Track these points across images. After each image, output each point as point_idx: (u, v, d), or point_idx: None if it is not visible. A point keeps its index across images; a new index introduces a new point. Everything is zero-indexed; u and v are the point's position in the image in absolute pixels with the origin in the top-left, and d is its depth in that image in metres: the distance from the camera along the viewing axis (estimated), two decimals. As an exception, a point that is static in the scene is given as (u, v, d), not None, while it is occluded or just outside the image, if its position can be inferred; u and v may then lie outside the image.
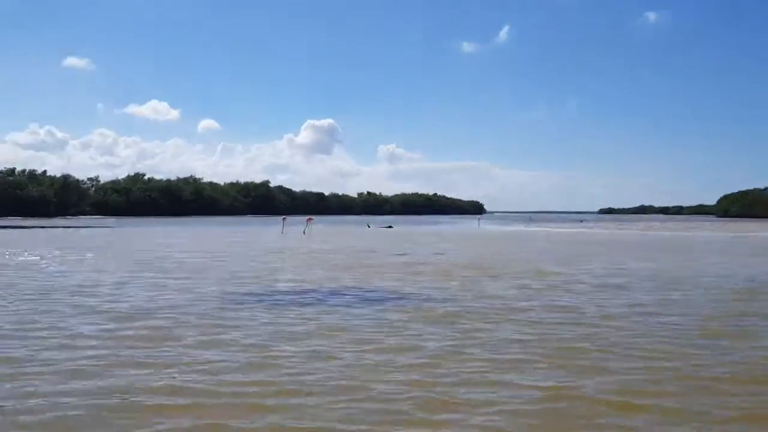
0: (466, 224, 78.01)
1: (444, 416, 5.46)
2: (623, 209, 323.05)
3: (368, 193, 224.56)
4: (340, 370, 6.81)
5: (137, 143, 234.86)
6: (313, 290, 13.29)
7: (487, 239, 37.99)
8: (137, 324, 9.23)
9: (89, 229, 49.48)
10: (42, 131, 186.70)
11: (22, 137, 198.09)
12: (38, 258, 20.69)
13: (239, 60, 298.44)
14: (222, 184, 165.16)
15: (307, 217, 49.50)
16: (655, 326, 9.32)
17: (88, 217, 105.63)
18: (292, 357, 7.40)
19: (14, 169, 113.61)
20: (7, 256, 20.93)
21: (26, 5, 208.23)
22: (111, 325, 9.09)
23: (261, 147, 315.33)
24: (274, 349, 7.81)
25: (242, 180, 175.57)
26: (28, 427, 5.22)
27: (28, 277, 15.27)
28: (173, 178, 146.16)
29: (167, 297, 12.04)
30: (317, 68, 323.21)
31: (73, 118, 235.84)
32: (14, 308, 10.47)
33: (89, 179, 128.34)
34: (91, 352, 7.54)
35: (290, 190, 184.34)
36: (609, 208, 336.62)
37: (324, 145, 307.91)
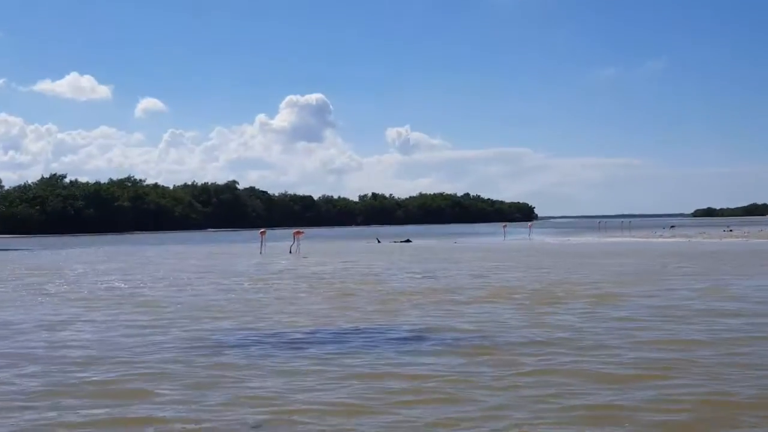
0: (513, 235, 78.01)
1: None
2: (727, 209, 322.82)
3: (373, 195, 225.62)
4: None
5: (52, 133, 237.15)
6: (318, 331, 13.17)
7: (547, 255, 37.87)
8: (81, 375, 9.15)
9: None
10: None
11: None
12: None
13: (191, 16, 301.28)
14: (172, 187, 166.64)
15: (295, 230, 49.58)
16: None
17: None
18: None
19: None
20: None
21: None
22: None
23: (224, 134, 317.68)
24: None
25: (199, 181, 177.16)
26: None
27: None
28: (103, 180, 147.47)
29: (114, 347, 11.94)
30: (300, 24, 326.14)
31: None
32: None
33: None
34: None
35: (266, 193, 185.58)
36: (708, 208, 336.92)
37: (311, 129, 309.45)
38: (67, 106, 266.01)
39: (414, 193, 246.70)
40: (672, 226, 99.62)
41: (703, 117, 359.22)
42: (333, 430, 7.22)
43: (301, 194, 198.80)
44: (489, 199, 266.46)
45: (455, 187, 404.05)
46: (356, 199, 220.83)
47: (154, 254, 45.85)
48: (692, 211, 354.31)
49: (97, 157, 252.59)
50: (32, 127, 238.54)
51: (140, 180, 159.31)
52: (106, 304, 17.89)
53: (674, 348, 11.01)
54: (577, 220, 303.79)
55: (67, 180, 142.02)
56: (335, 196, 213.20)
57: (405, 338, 12.35)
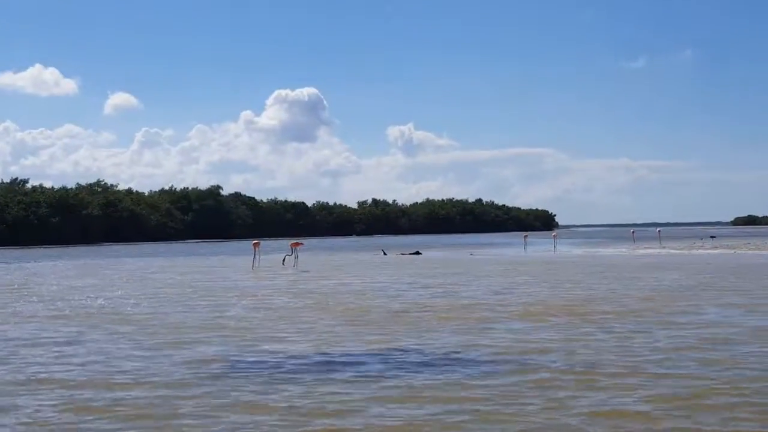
0: (534, 246, 78.17)
1: None
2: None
3: (374, 201, 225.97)
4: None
5: (11, 132, 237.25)
6: (335, 354, 13.32)
7: (575, 268, 37.99)
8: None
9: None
10: None
11: None
12: None
13: (166, 1, 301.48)
14: (147, 193, 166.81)
15: (292, 241, 49.79)
16: None
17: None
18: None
19: None
20: None
21: None
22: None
23: (204, 133, 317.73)
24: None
25: (178, 186, 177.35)
26: None
27: None
28: (70, 184, 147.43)
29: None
30: (290, 10, 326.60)
31: None
32: None
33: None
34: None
35: (253, 199, 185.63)
36: (749, 216, 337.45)
37: (303, 128, 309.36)
38: (28, 101, 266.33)
39: (419, 199, 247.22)
40: (712, 237, 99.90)
41: (742, 114, 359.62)
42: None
43: (292, 200, 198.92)
44: (504, 205, 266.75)
45: (465, 192, 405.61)
46: (355, 206, 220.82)
47: (135, 268, 45.99)
48: (732, 219, 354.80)
49: (62, 159, 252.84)
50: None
51: (112, 185, 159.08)
52: (92, 323, 18.04)
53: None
54: (602, 229, 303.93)
55: (29, 185, 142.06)
56: (331, 203, 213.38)
57: (441, 359, 12.50)
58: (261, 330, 16.64)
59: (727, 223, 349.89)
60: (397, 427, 8.67)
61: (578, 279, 30.22)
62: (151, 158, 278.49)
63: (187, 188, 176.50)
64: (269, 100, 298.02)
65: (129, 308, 21.77)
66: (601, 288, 25.70)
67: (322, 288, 28.03)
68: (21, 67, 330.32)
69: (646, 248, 66.20)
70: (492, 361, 12.37)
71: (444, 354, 13.18)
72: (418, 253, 63.52)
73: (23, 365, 12.70)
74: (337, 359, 12.84)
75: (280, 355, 13.27)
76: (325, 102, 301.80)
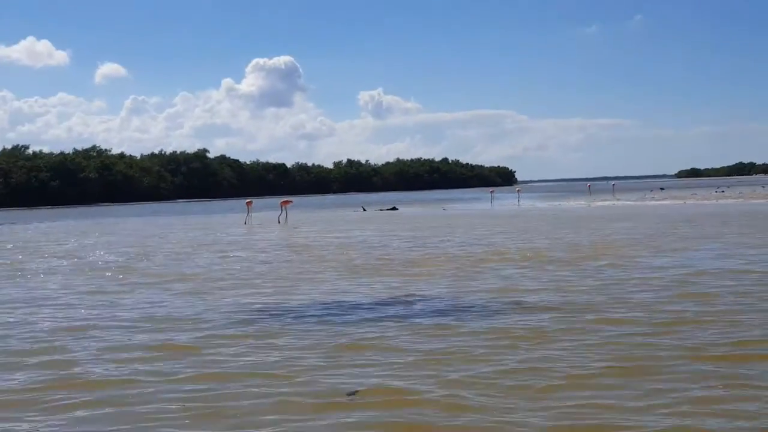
0: (500, 201, 78.78)
1: None
2: (711, 169, 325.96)
3: (349, 161, 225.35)
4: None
5: (8, 101, 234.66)
6: (346, 302, 13.70)
7: (543, 220, 38.52)
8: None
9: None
10: None
11: None
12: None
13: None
14: (139, 156, 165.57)
15: (282, 199, 49.96)
16: None
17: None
18: None
19: None
20: None
21: None
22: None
23: (188, 100, 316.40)
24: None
25: (163, 149, 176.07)
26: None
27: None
28: (63, 150, 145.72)
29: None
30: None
31: None
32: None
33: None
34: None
35: (237, 161, 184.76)
36: (692, 168, 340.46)
37: (280, 94, 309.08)
38: (23, 72, 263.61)
39: (389, 159, 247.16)
40: (661, 189, 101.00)
41: (686, 76, 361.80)
42: (432, 396, 7.78)
43: (273, 162, 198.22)
44: (468, 164, 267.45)
45: (431, 152, 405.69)
46: (331, 167, 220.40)
47: (139, 227, 46.08)
48: (676, 172, 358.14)
49: (56, 126, 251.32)
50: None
51: (106, 150, 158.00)
52: (139, 282, 18.32)
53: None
54: (558, 183, 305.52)
55: (30, 152, 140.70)
56: (309, 164, 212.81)
57: (443, 304, 12.94)
58: (282, 281, 16.99)
59: (671, 176, 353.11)
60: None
61: (548, 230, 30.71)
62: (139, 124, 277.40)
63: (176, 152, 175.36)
64: (248, 68, 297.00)
65: (178, 264, 22.04)
66: (575, 236, 26.18)
67: (320, 241, 28.39)
68: (15, 40, 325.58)
69: (603, 200, 66.96)
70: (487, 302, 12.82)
71: (447, 296, 13.61)
72: (395, 208, 63.82)
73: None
74: (349, 305, 13.23)
75: (305, 301, 13.65)
76: (300, 69, 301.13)
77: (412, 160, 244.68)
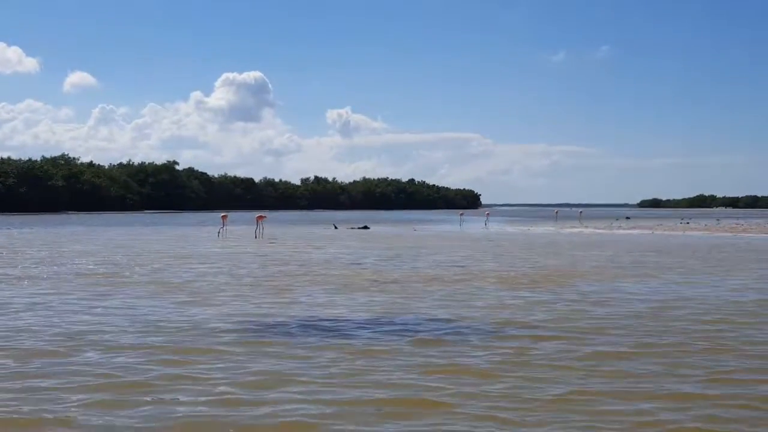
0: (468, 224, 79.11)
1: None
2: (672, 200, 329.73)
3: (316, 178, 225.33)
4: None
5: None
6: (331, 318, 13.81)
7: (517, 245, 38.86)
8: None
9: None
10: None
11: None
12: None
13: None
14: (107, 166, 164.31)
15: (257, 214, 50.06)
16: None
17: None
18: None
19: None
20: None
21: None
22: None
23: (157, 111, 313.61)
24: None
25: (130, 160, 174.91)
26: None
27: None
28: (30, 156, 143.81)
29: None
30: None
31: None
32: None
33: None
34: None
35: (205, 174, 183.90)
36: (654, 199, 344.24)
37: (249, 109, 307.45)
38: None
39: (356, 177, 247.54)
40: (627, 217, 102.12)
41: (650, 106, 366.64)
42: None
43: (241, 176, 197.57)
44: (435, 185, 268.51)
45: (397, 172, 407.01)
46: (298, 183, 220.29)
47: (114, 236, 45.77)
48: (638, 201, 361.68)
49: (23, 132, 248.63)
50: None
51: (74, 158, 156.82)
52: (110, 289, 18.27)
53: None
54: (522, 208, 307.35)
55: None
56: (276, 179, 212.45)
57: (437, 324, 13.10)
58: (268, 296, 17.04)
59: (633, 205, 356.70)
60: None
61: (525, 255, 31.01)
62: (106, 133, 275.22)
63: (144, 162, 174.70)
64: (218, 82, 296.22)
65: (162, 273, 21.95)
66: (556, 262, 26.49)
67: (299, 258, 28.42)
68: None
69: (571, 227, 67.51)
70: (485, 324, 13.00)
71: (435, 316, 13.77)
72: (366, 227, 63.92)
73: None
74: (336, 322, 13.34)
75: (295, 318, 13.74)
76: (269, 85, 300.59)
77: (379, 179, 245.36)
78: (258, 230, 44.95)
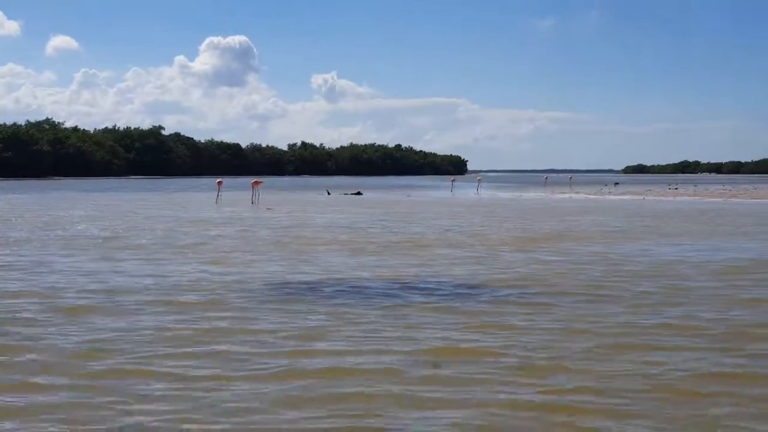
0: (460, 190, 79.51)
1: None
2: (657, 166, 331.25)
3: (303, 144, 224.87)
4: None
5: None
6: (349, 280, 14.19)
7: (513, 210, 39.30)
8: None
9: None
10: None
11: None
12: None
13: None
14: (92, 131, 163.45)
15: (253, 179, 50.26)
16: None
17: None
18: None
19: None
20: None
21: None
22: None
23: (140, 75, 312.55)
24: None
25: (116, 125, 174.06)
26: None
27: None
28: (12, 121, 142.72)
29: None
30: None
31: None
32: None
33: None
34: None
35: (191, 139, 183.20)
36: (639, 165, 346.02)
37: (233, 73, 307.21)
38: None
39: (342, 143, 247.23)
40: (616, 183, 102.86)
41: (637, 73, 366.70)
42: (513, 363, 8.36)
43: (228, 141, 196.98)
44: (421, 151, 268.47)
45: (383, 138, 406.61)
46: (285, 148, 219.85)
47: (109, 201, 45.97)
48: (623, 167, 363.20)
49: (3, 96, 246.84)
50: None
51: (59, 123, 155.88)
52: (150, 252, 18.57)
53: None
54: (509, 174, 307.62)
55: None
56: (264, 145, 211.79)
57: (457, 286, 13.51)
58: (282, 259, 17.38)
59: (618, 171, 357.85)
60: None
61: (522, 218, 31.45)
62: (88, 97, 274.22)
63: (130, 127, 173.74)
64: (202, 46, 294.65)
65: (181, 236, 22.23)
66: (557, 225, 26.94)
67: (303, 222, 28.75)
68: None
69: (561, 193, 68.11)
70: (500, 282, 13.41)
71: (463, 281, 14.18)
72: (359, 193, 64.22)
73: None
74: (352, 284, 13.73)
75: (321, 277, 14.11)
76: (254, 50, 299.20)
77: (366, 145, 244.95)
78: (254, 196, 45.18)
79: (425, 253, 18.71)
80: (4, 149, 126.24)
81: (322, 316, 10.69)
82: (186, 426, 6.30)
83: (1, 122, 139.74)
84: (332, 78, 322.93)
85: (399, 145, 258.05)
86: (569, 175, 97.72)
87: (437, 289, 13.10)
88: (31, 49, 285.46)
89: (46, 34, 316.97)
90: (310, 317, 10.65)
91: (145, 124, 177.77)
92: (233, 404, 6.83)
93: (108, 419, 6.44)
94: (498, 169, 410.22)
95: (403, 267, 16.01)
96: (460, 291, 12.98)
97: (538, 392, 7.25)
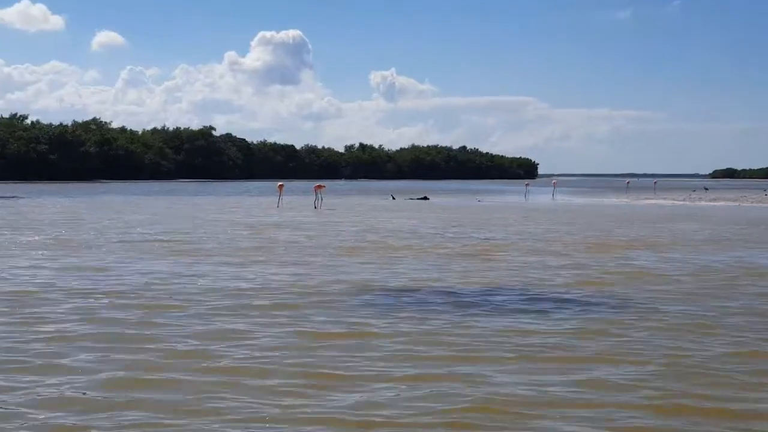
0: (534, 195, 79.43)
1: None
2: (748, 170, 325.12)
3: (361, 145, 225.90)
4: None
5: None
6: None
7: (596, 216, 39.23)
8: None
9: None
10: None
11: None
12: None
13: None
14: (140, 131, 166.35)
15: (316, 183, 51.09)
16: None
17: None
18: None
19: None
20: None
21: None
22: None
23: (189, 73, 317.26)
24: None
25: (164, 125, 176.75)
26: None
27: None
28: (56, 121, 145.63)
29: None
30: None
31: None
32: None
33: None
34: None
35: (244, 140, 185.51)
36: (729, 168, 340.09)
37: (286, 70, 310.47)
38: (15, 36, 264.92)
39: (401, 144, 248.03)
40: (705, 188, 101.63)
41: (724, 67, 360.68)
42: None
43: (281, 143, 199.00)
44: (488, 153, 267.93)
45: (445, 139, 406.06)
46: (342, 150, 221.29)
47: (168, 204, 47.01)
48: (710, 171, 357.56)
49: (47, 95, 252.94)
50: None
51: (106, 122, 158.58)
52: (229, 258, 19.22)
53: None
54: (584, 178, 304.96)
55: (28, 121, 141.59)
56: (319, 146, 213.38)
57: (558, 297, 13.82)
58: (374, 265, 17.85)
59: (704, 176, 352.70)
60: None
61: (607, 226, 31.46)
62: (134, 96, 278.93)
63: (179, 128, 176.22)
64: (254, 42, 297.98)
65: (241, 242, 22.89)
66: (652, 233, 27.01)
67: (377, 227, 29.15)
68: (8, 2, 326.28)
69: (645, 199, 67.67)
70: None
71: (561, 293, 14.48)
72: (426, 198, 64.62)
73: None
74: (444, 291, 14.11)
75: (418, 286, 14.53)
76: (309, 45, 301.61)
77: (428, 147, 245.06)
78: (317, 200, 45.93)
79: (516, 259, 19.03)
80: (49, 151, 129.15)
81: (440, 322, 11.16)
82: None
83: (46, 122, 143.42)
84: (391, 75, 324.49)
85: (464, 147, 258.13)
86: (653, 180, 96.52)
87: (557, 298, 13.44)
88: (76, 45, 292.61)
89: (91, 29, 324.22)
90: (428, 325, 11.07)
91: (194, 124, 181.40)
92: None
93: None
94: (572, 172, 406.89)
95: (496, 274, 16.35)
96: (573, 298, 13.31)
97: None
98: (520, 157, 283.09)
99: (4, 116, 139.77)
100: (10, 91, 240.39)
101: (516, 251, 21.13)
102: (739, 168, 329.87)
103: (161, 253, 19.79)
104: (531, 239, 24.93)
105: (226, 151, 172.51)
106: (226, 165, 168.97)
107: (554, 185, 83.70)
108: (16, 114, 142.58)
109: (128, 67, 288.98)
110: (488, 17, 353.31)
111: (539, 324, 11.11)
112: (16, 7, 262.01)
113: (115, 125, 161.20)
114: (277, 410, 7.20)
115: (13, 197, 58.14)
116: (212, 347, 9.55)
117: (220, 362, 8.87)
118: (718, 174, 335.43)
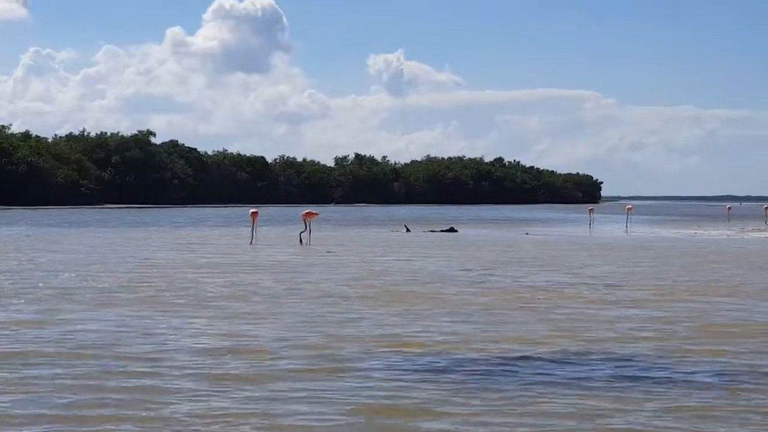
0: (600, 225, 79.63)
1: None
2: None
3: (357, 157, 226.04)
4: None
5: None
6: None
7: (697, 256, 39.38)
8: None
9: None
10: None
11: None
12: None
13: None
14: (50, 138, 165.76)
15: (304, 211, 50.57)
16: None
17: None
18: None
19: None
20: None
21: None
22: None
23: (117, 57, 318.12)
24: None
25: (89, 129, 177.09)
26: None
27: None
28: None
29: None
30: None
31: None
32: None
33: None
34: None
35: (195, 150, 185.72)
36: None
37: (253, 54, 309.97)
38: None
39: (413, 156, 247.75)
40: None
41: None
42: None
43: (249, 155, 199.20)
44: (533, 167, 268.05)
45: (474, 148, 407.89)
46: (331, 163, 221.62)
47: (100, 241, 47.22)
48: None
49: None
50: None
51: (2, 126, 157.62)
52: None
53: None
54: (664, 202, 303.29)
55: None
56: (298, 158, 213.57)
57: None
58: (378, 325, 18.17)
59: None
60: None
61: (721, 272, 31.62)
62: (40, 90, 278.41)
63: (104, 133, 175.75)
64: (207, 14, 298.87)
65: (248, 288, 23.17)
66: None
67: (396, 270, 29.37)
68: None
69: (757, 230, 67.79)
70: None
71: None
72: (453, 230, 64.79)
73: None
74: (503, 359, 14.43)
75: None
76: (284, 19, 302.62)
77: (450, 159, 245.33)
78: (306, 233, 45.94)
79: (589, 318, 19.36)
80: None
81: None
82: None
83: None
84: (398, 59, 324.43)
85: (500, 159, 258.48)
86: (764, 205, 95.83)
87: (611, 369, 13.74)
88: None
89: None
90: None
91: (124, 127, 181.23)
92: None
93: None
94: (647, 194, 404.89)
95: (559, 339, 16.66)
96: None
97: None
98: (577, 173, 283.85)
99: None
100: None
101: (589, 306, 21.45)
102: None
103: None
104: (603, 286, 25.23)
105: (170, 166, 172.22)
106: (170, 185, 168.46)
107: (628, 211, 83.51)
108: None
109: (31, 49, 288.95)
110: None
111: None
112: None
113: (14, 130, 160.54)
114: None
115: None
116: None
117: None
118: None
